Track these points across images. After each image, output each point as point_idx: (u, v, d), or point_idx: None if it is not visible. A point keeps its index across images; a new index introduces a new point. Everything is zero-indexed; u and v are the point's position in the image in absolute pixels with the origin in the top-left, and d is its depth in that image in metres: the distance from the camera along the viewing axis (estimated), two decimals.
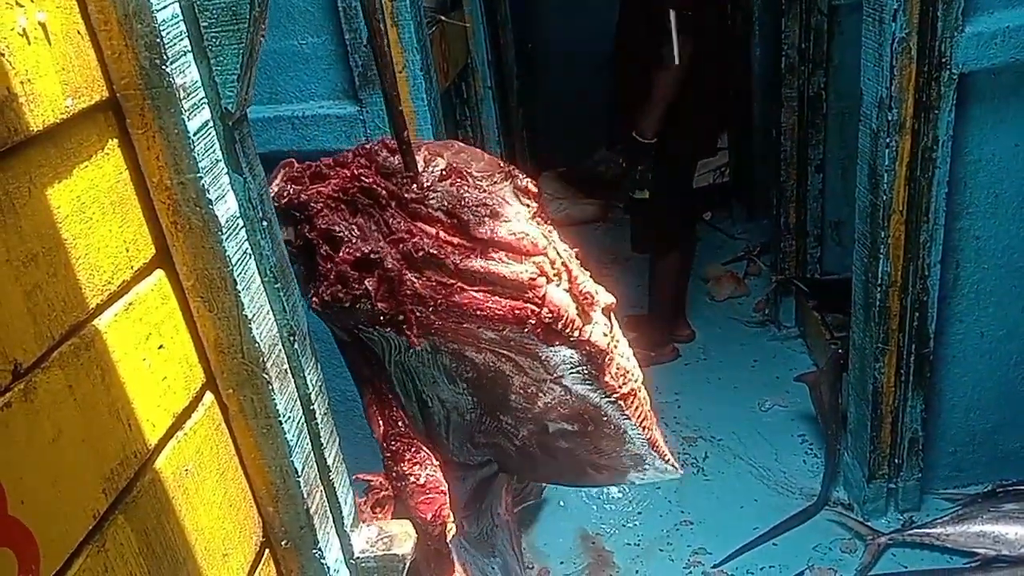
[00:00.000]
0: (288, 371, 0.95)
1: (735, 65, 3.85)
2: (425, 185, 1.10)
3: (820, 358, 3.16)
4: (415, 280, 1.07)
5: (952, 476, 2.44)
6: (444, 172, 1.11)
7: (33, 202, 0.66)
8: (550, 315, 1.09)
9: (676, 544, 2.59)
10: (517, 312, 1.08)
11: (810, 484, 2.70)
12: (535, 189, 1.17)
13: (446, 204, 1.09)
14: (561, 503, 2.77)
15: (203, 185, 0.80)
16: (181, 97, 0.77)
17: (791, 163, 3.31)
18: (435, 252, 1.07)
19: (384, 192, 1.10)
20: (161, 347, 0.81)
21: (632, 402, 1.24)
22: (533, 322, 1.09)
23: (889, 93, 1.82)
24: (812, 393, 2.83)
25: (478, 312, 1.08)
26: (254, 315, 0.87)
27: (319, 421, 1.03)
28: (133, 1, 0.73)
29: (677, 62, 2.78)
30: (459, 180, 1.11)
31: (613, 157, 4.47)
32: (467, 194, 1.10)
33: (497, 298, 1.08)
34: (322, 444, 1.03)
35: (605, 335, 1.18)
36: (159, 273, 0.82)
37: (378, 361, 1.20)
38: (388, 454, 1.22)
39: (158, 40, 0.74)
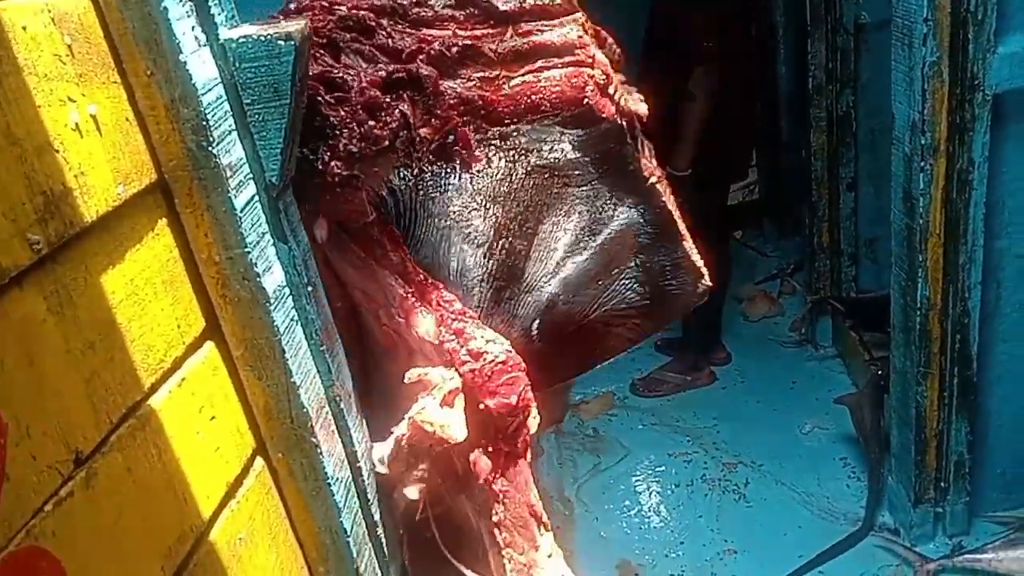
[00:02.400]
0: (335, 432, 0.96)
1: (762, 86, 3.84)
2: None
3: (859, 378, 3.12)
4: (455, 87, 0.95)
5: (1001, 499, 2.39)
6: None
7: (89, 291, 0.68)
8: (603, 76, 1.01)
9: (720, 574, 2.56)
10: (573, 81, 0.98)
11: (854, 509, 2.66)
12: None
13: None
14: (603, 534, 2.75)
15: (251, 259, 0.82)
16: (227, 176, 0.79)
17: (822, 183, 3.28)
18: (470, 43, 0.94)
19: (371, 12, 0.95)
20: (213, 418, 0.83)
21: (666, 190, 1.16)
22: (591, 88, 0.99)
23: (922, 117, 1.81)
24: (853, 415, 2.79)
25: (534, 96, 0.97)
26: (302, 381, 0.89)
27: (365, 478, 1.04)
28: (179, 87, 0.75)
29: (704, 98, 2.79)
30: None
31: None
32: None
33: (549, 74, 0.98)
34: (368, 501, 1.05)
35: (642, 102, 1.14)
36: (209, 345, 0.84)
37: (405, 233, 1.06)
38: (452, 338, 1.03)
39: (204, 123, 0.76)
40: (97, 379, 0.67)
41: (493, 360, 0.99)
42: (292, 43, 0.80)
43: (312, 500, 0.95)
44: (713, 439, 3.10)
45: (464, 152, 0.96)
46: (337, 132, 0.91)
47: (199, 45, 0.77)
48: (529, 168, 1.03)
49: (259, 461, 0.90)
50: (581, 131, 1.03)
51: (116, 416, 0.69)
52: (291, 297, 0.89)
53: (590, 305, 1.17)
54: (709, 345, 3.51)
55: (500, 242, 1.05)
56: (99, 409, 0.67)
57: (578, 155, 1.05)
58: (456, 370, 0.98)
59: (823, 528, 2.62)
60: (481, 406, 0.99)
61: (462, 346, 0.99)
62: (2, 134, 0.59)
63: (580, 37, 0.98)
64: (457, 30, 0.95)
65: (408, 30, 0.95)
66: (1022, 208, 1.98)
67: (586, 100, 0.99)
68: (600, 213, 1.10)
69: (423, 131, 0.94)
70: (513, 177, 1.02)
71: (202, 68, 0.76)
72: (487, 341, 1.00)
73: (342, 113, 0.91)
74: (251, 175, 0.83)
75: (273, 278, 0.85)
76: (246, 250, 0.81)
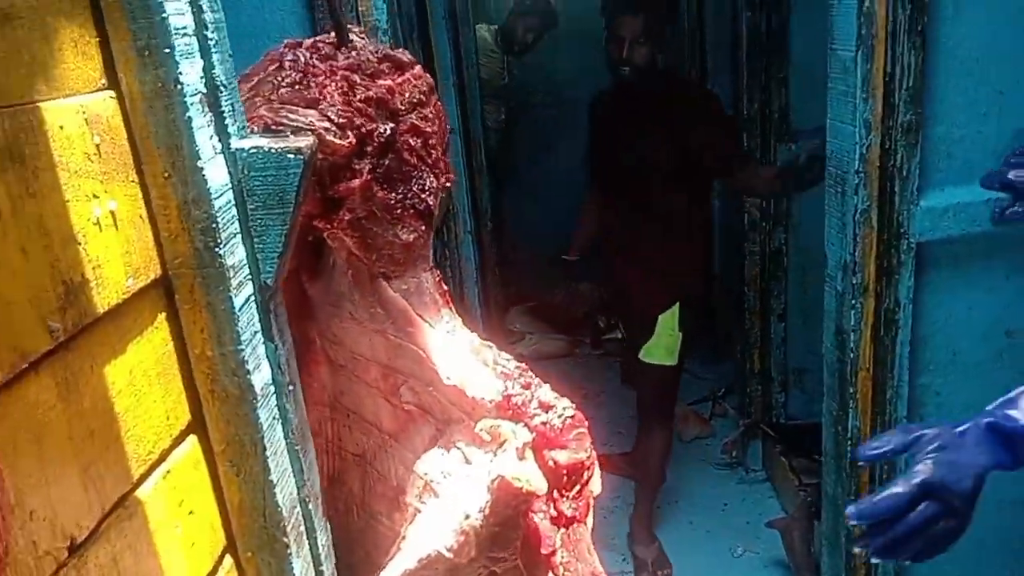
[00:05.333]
0: (304, 534, 0.97)
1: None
2: None
3: (788, 503, 3.18)
4: None
5: None
6: None
7: (94, 380, 0.70)
8: None
9: None
10: None
11: None
12: None
13: None
14: None
15: (243, 356, 0.84)
16: (230, 276, 0.82)
17: (755, 312, 3.44)
18: None
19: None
20: (191, 512, 0.83)
21: None
22: None
23: (853, 259, 1.95)
24: (784, 540, 2.84)
25: None
26: (278, 479, 0.90)
27: None
28: (193, 190, 0.79)
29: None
30: None
31: (580, 292, 4.59)
32: None
33: None
34: None
35: None
36: (192, 439, 0.85)
37: None
38: (520, 391, 0.97)
39: (214, 225, 0.80)
40: (94, 467, 0.68)
41: (563, 413, 0.96)
42: (301, 158, 0.85)
43: None
44: None
45: None
46: (423, 173, 0.99)
47: (215, 152, 0.82)
48: None
49: (228, 560, 0.90)
50: None
51: (108, 505, 0.70)
52: (275, 395, 0.91)
53: None
54: None
55: None
56: (93, 498, 0.68)
57: None
58: (525, 424, 0.94)
59: None
60: (551, 462, 0.94)
61: (532, 398, 0.96)
62: (35, 225, 0.63)
63: None
64: None
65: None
66: (941, 348, 2.11)
67: None
68: None
69: None
70: None
71: (216, 174, 0.81)
72: (555, 396, 0.96)
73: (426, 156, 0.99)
74: (249, 276, 0.87)
75: (261, 376, 0.88)
76: (239, 347, 0.84)
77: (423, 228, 0.99)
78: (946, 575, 2.35)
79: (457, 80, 3.07)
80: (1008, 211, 1.85)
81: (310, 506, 0.98)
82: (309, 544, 0.98)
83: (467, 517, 0.89)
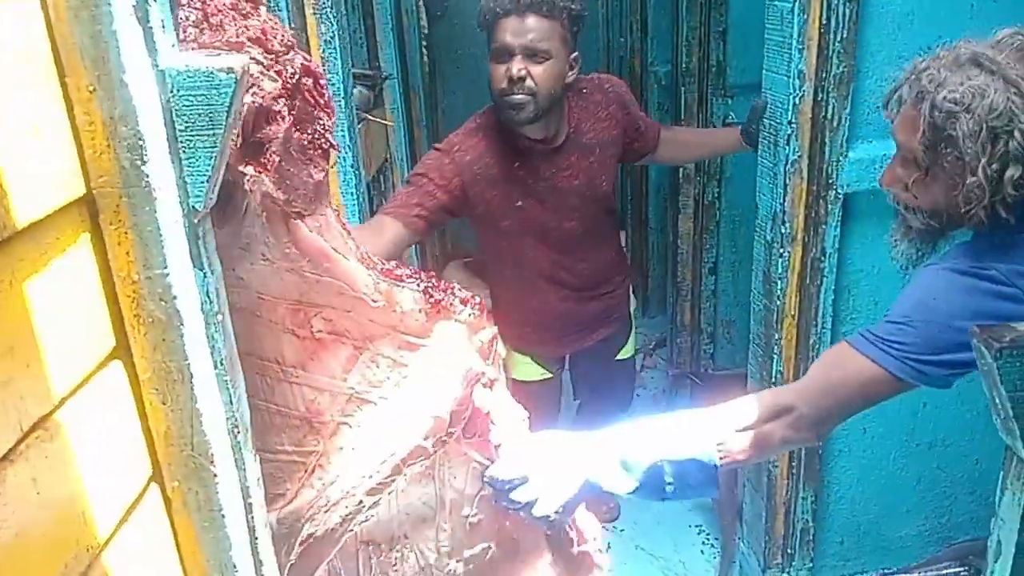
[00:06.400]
0: (233, 464, 0.96)
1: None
2: None
3: None
4: None
5: (840, 565, 2.56)
6: None
7: (13, 295, 0.67)
8: None
9: None
10: None
11: (707, 574, 2.78)
12: None
13: None
14: None
15: (169, 281, 0.82)
16: (156, 197, 0.80)
17: (687, 265, 3.50)
18: None
19: None
20: (116, 439, 0.82)
21: None
22: None
23: (783, 208, 1.99)
24: None
25: None
26: (206, 408, 0.89)
27: (255, 514, 1.03)
28: (119, 106, 0.76)
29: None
30: None
31: None
32: None
33: None
34: (257, 537, 1.04)
35: None
36: (117, 365, 0.83)
37: None
38: (443, 295, 1.14)
39: (140, 142, 0.77)
40: (13, 385, 0.66)
41: (475, 302, 1.16)
42: (233, 76, 0.83)
43: (203, 532, 0.94)
44: None
45: None
46: (321, 113, 1.01)
47: (143, 68, 0.79)
48: None
49: (154, 488, 0.89)
50: None
51: (27, 424, 0.68)
52: (203, 323, 0.89)
53: None
54: None
55: None
56: (11, 415, 0.66)
57: None
58: (456, 319, 1.14)
59: None
60: (479, 342, 1.15)
61: (455, 298, 1.14)
62: None
63: None
64: None
65: None
66: (864, 296, 2.19)
67: None
68: None
69: None
70: None
71: (144, 90, 0.78)
72: (463, 290, 1.15)
73: (319, 96, 1.00)
74: (178, 199, 0.84)
75: (188, 302, 0.86)
76: (166, 271, 0.82)
77: (327, 166, 1.05)
78: (868, 509, 2.48)
79: (396, 24, 3.01)
80: None
81: (239, 437, 0.97)
82: (238, 475, 0.97)
83: (438, 404, 1.04)
